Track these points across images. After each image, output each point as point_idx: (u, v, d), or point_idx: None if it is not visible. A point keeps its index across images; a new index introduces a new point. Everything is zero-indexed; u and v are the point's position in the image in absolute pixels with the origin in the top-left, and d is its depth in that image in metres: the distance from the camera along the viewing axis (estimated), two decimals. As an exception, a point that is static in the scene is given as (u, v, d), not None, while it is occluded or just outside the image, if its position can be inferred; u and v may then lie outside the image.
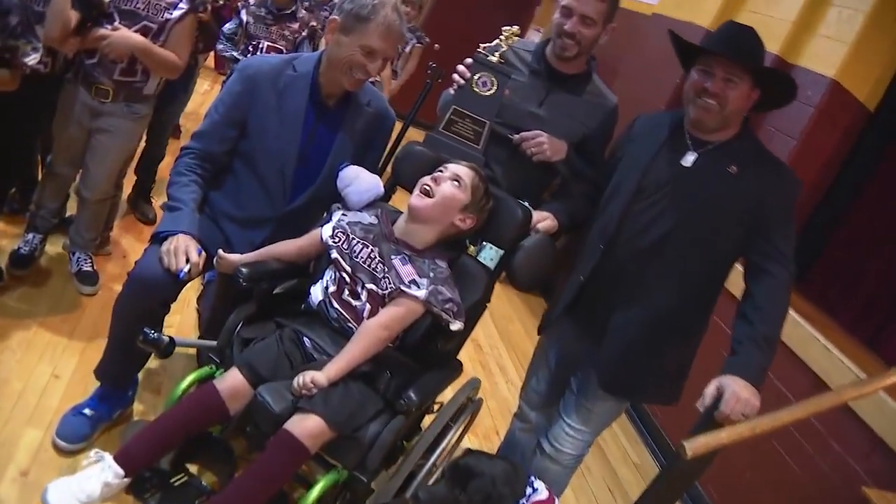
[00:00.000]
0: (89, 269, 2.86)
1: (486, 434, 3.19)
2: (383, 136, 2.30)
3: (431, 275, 1.88)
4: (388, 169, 2.28)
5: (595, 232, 2.13)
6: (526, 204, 2.11)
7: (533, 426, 2.45)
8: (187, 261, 1.89)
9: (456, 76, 2.24)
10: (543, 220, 2.13)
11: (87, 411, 2.18)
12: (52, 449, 2.11)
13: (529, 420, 2.46)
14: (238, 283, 1.87)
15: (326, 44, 2.14)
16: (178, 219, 1.99)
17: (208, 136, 2.13)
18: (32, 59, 2.14)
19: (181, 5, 2.53)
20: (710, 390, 1.80)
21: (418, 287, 1.85)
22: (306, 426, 1.66)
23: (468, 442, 2.82)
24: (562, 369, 2.34)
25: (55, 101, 2.60)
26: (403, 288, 1.85)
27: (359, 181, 2.11)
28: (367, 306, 1.89)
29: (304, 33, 4.04)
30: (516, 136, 2.31)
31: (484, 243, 2.27)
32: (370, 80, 2.14)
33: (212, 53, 4.65)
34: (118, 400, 2.24)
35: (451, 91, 2.23)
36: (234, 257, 2.00)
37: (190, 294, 2.96)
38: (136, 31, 2.47)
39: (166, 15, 2.50)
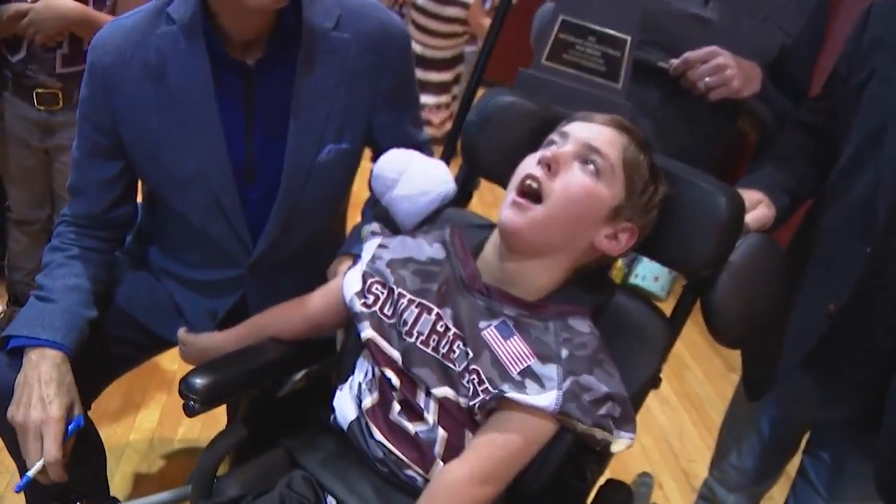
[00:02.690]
0: None
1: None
2: (394, 70, 1.16)
3: (564, 353, 0.87)
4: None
5: (843, 223, 1.13)
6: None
7: (729, 513, 1.58)
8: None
9: None
10: (753, 209, 1.10)
11: None
12: None
13: (725, 505, 1.58)
14: (187, 408, 0.92)
15: None
16: (42, 318, 1.05)
17: (80, 191, 1.18)
18: None
19: None
20: None
21: (540, 384, 0.85)
22: None
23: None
24: (783, 441, 1.42)
25: None
26: (511, 392, 0.85)
27: (410, 177, 1.11)
28: (440, 433, 0.89)
29: None
30: (676, 62, 1.25)
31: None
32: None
33: None
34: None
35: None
36: (204, 341, 1.07)
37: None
38: None
39: None
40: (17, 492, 0.97)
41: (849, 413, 1.17)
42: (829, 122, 1.22)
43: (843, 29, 1.29)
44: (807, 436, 1.34)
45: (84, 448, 1.19)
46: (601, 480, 1.07)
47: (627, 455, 2.32)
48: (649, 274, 1.28)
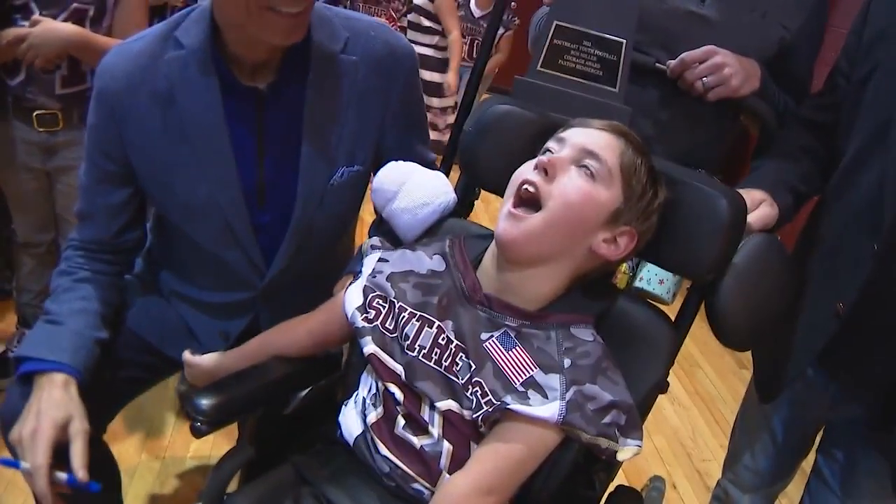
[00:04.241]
0: None
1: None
2: (402, 90, 1.16)
3: (566, 362, 0.86)
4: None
5: (849, 220, 1.10)
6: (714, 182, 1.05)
7: (745, 515, 1.54)
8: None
9: None
10: (755, 209, 1.08)
11: None
12: None
13: (740, 507, 1.54)
14: (194, 429, 0.93)
15: None
16: (50, 340, 1.05)
17: (88, 216, 1.17)
18: None
19: None
20: None
21: (543, 395, 0.85)
22: None
23: None
24: (796, 441, 1.38)
25: None
26: (513, 404, 0.84)
27: (410, 188, 1.11)
28: (444, 446, 0.89)
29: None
30: (673, 63, 1.24)
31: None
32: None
33: None
34: None
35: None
36: (210, 361, 1.07)
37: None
38: (65, 20, 1.59)
39: None
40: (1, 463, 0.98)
41: (862, 412, 1.14)
42: (832, 118, 1.19)
43: (843, 23, 1.28)
44: (820, 434, 1.32)
45: (98, 467, 1.21)
46: (611, 487, 1.07)
47: (640, 456, 2.27)
48: (654, 277, 1.27)
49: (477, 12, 3.84)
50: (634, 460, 2.23)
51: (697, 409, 2.59)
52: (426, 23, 3.56)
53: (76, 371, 1.02)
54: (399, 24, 3.39)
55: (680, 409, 2.58)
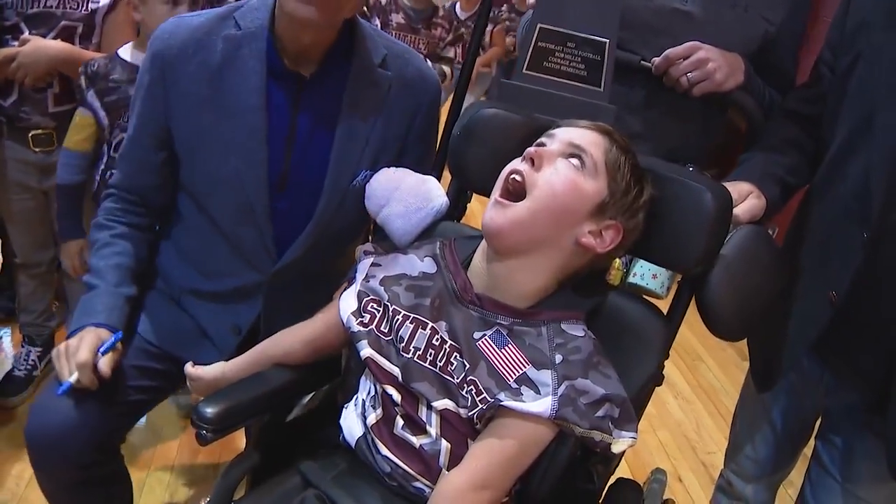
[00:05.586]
0: None
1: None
2: (425, 117, 1.24)
3: (558, 358, 0.89)
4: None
5: (838, 210, 1.12)
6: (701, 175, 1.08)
7: (749, 504, 1.56)
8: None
9: None
10: (742, 201, 1.11)
11: None
12: None
13: (744, 498, 1.55)
14: (199, 437, 0.95)
15: None
16: (89, 306, 1.15)
17: (130, 161, 1.24)
18: None
19: None
20: None
21: (536, 391, 0.87)
22: None
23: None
24: (796, 430, 1.40)
25: None
26: (507, 401, 0.87)
27: (402, 194, 1.14)
28: (443, 444, 0.92)
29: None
30: (658, 60, 1.26)
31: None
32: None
33: None
34: None
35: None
36: (212, 372, 1.10)
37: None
38: (54, 38, 1.62)
39: (90, 5, 1.63)
40: (59, 395, 1.06)
41: (858, 398, 1.17)
42: (818, 109, 1.21)
43: (830, 14, 1.30)
44: (819, 421, 1.33)
45: (111, 480, 1.24)
46: (612, 480, 1.09)
47: (645, 451, 2.33)
48: (647, 272, 1.30)
49: (462, 14, 3.92)
50: (639, 454, 2.26)
51: (701, 402, 2.60)
52: None
53: (109, 326, 1.11)
54: (443, 53, 3.47)
55: (683, 402, 2.59)
